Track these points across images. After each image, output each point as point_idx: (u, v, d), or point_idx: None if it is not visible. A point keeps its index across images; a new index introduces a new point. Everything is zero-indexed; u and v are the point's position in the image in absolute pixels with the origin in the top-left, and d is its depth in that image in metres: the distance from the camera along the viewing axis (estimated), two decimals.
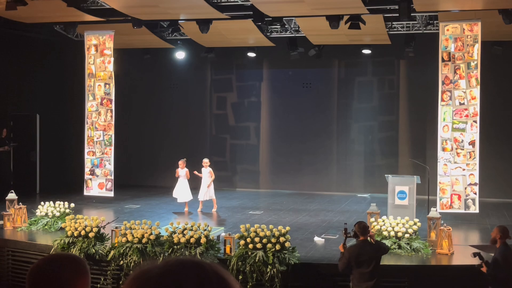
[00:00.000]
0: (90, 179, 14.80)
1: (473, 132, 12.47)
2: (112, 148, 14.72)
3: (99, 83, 14.81)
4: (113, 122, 14.74)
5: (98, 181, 14.76)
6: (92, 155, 14.84)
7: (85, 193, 14.86)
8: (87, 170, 14.89)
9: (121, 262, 9.49)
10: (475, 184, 12.42)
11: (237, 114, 18.46)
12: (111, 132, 14.73)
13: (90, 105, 14.90)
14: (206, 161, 14.28)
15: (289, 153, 17.71)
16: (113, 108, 14.73)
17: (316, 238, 10.91)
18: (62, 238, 10.12)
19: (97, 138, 14.81)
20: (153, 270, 1.50)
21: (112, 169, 14.67)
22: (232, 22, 14.13)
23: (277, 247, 9.01)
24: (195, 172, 14.23)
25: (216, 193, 14.40)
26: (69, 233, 10.06)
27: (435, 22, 14.14)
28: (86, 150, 14.93)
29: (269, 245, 9.04)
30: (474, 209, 12.41)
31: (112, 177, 14.68)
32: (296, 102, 17.79)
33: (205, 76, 18.70)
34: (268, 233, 9.27)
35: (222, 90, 18.60)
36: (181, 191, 14.09)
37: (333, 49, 16.34)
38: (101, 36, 14.83)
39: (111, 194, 14.69)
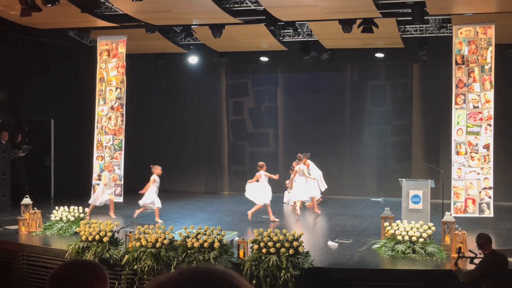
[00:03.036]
0: (98, 184, 14.60)
1: (487, 136, 12.39)
2: (122, 152, 14.66)
3: (110, 87, 14.85)
4: (123, 127, 14.74)
5: None
6: (101, 160, 14.80)
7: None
8: (95, 175, 14.78)
9: (135, 266, 9.52)
10: (489, 188, 12.34)
11: (255, 120, 18.43)
12: (121, 137, 14.71)
13: (101, 109, 14.95)
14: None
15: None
16: (124, 112, 14.76)
17: (330, 243, 10.88)
18: (77, 243, 10.17)
19: (107, 143, 14.79)
20: (167, 284, 1.51)
21: (122, 174, 14.59)
22: (244, 27, 14.16)
23: (291, 251, 9.00)
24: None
25: (230, 198, 14.35)
26: (83, 237, 10.11)
27: (448, 25, 14.08)
28: (95, 155, 14.94)
29: (282, 250, 9.04)
30: (489, 213, 12.33)
31: (122, 182, 14.54)
32: (308, 106, 17.76)
33: (219, 80, 18.72)
34: (281, 237, 9.27)
35: (238, 95, 18.60)
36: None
37: (346, 53, 16.31)
38: (114, 41, 14.91)
39: (120, 199, 14.48)
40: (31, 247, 10.86)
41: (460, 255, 7.85)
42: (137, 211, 13.25)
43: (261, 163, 13.51)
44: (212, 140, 18.68)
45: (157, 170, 13.23)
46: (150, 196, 13.08)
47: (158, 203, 13.15)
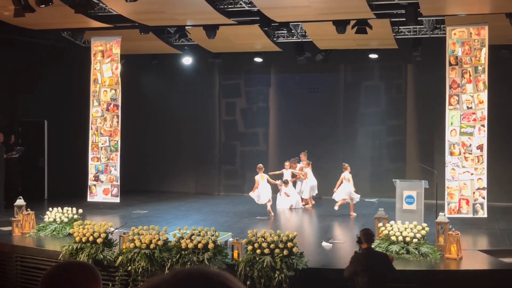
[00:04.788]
0: (94, 185, 14.68)
1: (481, 136, 12.43)
2: (118, 154, 14.66)
3: (104, 88, 14.82)
4: (119, 128, 14.72)
5: (103, 187, 14.68)
6: (97, 161, 14.79)
7: (89, 199, 14.75)
8: (91, 176, 14.80)
9: (129, 267, 9.50)
10: (483, 188, 12.37)
11: (246, 120, 18.46)
12: (117, 138, 14.70)
13: (95, 110, 14.92)
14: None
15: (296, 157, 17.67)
16: (119, 113, 14.74)
17: (324, 243, 10.88)
18: (70, 244, 10.13)
19: (102, 144, 14.77)
20: (161, 285, 1.50)
21: (118, 174, 14.62)
22: (239, 28, 14.15)
23: (285, 252, 9.00)
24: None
25: (224, 198, 14.39)
26: (77, 239, 10.08)
27: (442, 26, 14.12)
28: (90, 156, 14.92)
29: (276, 251, 9.03)
30: (483, 213, 12.36)
31: (118, 183, 14.60)
32: (303, 107, 17.78)
33: (213, 81, 18.73)
34: (275, 238, 9.27)
35: (231, 96, 18.61)
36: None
37: (340, 54, 16.33)
38: (108, 42, 14.88)
39: (117, 200, 14.59)
40: (25, 248, 10.82)
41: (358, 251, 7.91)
42: (338, 204, 14.56)
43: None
44: (205, 140, 18.68)
45: (347, 168, 14.69)
46: (345, 190, 14.52)
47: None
